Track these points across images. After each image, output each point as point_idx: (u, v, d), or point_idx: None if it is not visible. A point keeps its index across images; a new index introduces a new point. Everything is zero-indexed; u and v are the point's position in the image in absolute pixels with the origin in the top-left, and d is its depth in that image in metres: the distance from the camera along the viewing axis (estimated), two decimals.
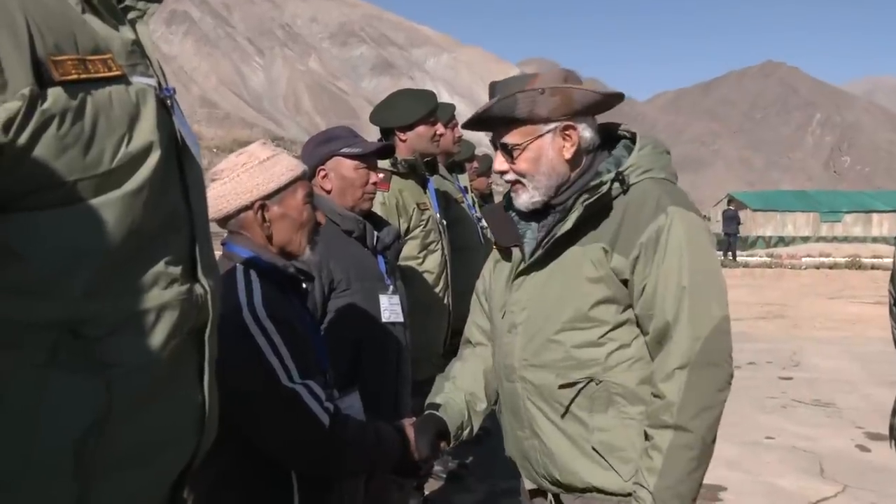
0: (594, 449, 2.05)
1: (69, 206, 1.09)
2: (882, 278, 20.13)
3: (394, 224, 3.31)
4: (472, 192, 5.34)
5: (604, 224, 2.03)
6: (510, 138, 2.07)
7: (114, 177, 1.13)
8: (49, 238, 1.08)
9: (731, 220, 29.73)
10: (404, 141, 3.80)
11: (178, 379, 1.30)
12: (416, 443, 2.16)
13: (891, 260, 3.17)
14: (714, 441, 1.99)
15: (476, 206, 5.21)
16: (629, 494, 2.03)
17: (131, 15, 1.29)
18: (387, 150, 3.10)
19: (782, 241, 40.86)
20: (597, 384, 2.03)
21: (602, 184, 2.01)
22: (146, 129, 1.19)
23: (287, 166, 2.14)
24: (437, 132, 3.89)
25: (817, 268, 25.39)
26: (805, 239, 40.76)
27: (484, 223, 4.86)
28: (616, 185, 2.02)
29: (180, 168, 1.31)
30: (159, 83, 1.28)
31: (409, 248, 3.67)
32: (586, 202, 2.00)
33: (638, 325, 2.04)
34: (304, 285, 2.23)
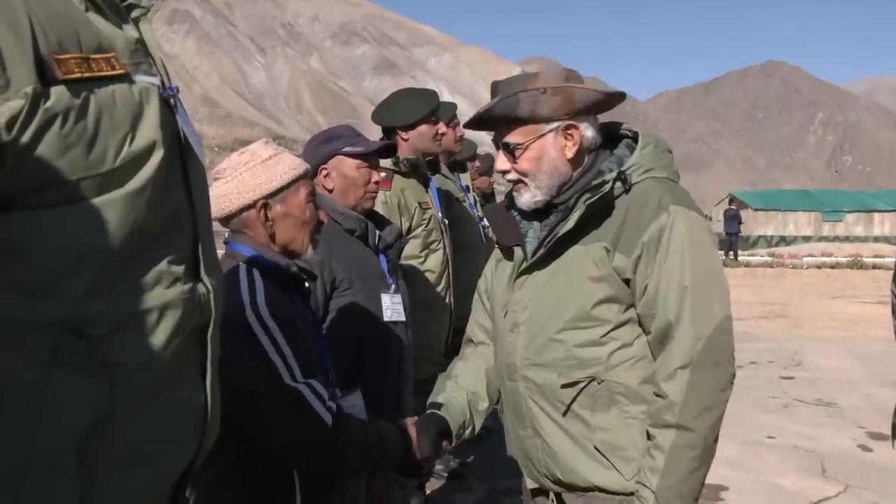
0: (596, 448, 2.04)
1: (72, 205, 1.09)
2: (883, 278, 20.13)
3: (396, 223, 3.31)
4: (473, 191, 5.34)
5: (606, 223, 2.03)
6: (512, 138, 2.07)
7: (117, 176, 1.13)
8: (52, 237, 1.08)
9: (732, 219, 29.74)
10: (406, 140, 3.80)
11: (180, 378, 1.30)
12: (417, 442, 2.16)
13: (892, 259, 3.16)
14: (716, 441, 1.99)
15: (478, 205, 5.21)
16: (631, 494, 2.03)
17: (135, 13, 1.28)
18: (389, 150, 3.10)
19: (784, 240, 40.84)
20: (599, 383, 2.03)
21: (604, 183, 2.01)
22: (149, 128, 1.19)
23: (289, 165, 2.14)
24: (439, 131, 3.89)
25: (819, 267, 25.37)
26: (807, 238, 40.74)
27: (485, 222, 4.87)
28: (618, 184, 2.02)
29: (183, 167, 1.31)
30: (163, 82, 1.27)
31: (411, 247, 3.67)
32: (588, 201, 1.99)
33: (640, 324, 2.04)
34: (306, 284, 2.23)
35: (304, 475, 2.05)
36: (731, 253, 28.63)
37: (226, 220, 2.15)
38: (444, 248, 3.87)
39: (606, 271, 2.01)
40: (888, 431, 3.14)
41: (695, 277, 1.95)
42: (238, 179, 2.10)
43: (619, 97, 2.08)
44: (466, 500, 4.97)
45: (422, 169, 3.82)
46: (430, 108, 3.81)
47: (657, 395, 1.98)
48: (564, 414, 2.06)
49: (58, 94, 1.06)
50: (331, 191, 2.86)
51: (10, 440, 1.07)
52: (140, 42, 1.26)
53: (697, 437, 1.94)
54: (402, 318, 2.91)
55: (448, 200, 4.25)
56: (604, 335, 2.03)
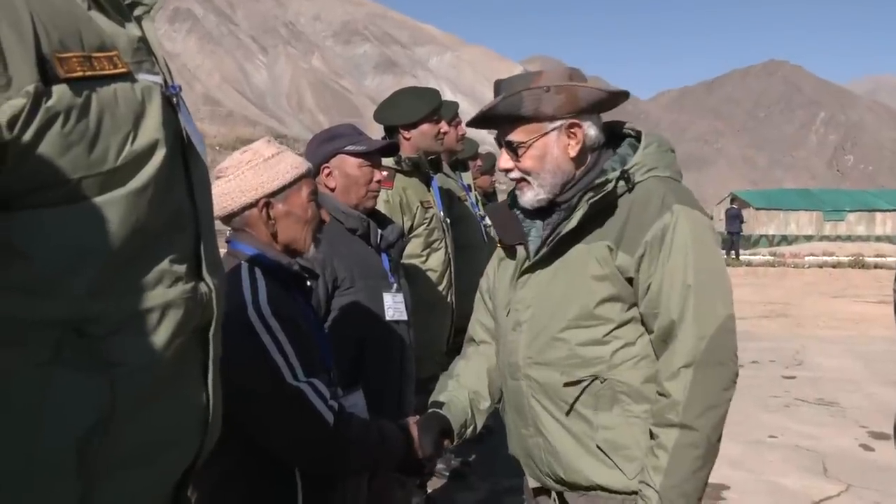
0: (599, 447, 2.04)
1: (73, 204, 1.08)
2: (885, 277, 20.14)
3: (397, 222, 3.31)
4: (475, 190, 5.34)
5: (609, 222, 2.03)
6: (515, 136, 2.07)
7: (118, 175, 1.13)
8: (53, 236, 1.07)
9: (734, 218, 29.73)
10: (408, 139, 3.80)
11: (182, 378, 1.29)
12: (419, 441, 2.16)
13: (894, 259, 3.16)
14: (719, 440, 1.99)
15: (479, 204, 5.21)
16: (633, 493, 2.03)
17: (137, 11, 1.28)
18: (391, 148, 3.10)
19: (785, 239, 40.81)
20: (601, 382, 2.03)
21: (607, 182, 2.01)
22: (151, 127, 1.19)
23: (291, 164, 2.14)
24: (441, 130, 3.89)
25: (820, 267, 25.35)
26: (808, 238, 40.70)
27: (487, 221, 4.87)
28: (621, 183, 2.02)
29: (185, 166, 1.30)
30: (165, 80, 1.27)
31: (413, 246, 3.67)
32: (591, 200, 1.99)
33: (642, 323, 2.04)
34: (308, 283, 2.23)
35: (306, 474, 2.05)
36: (733, 252, 28.61)
37: (228, 219, 2.15)
38: (446, 247, 3.87)
39: (609, 270, 2.01)
40: (890, 431, 3.14)
41: (698, 276, 1.95)
42: (240, 178, 2.10)
43: (622, 96, 2.08)
44: (468, 500, 4.97)
45: (424, 168, 3.82)
46: (431, 107, 3.81)
47: (660, 395, 1.97)
48: (567, 413, 2.06)
49: (59, 92, 1.05)
50: (333, 189, 2.86)
51: (10, 439, 1.07)
52: (142, 40, 1.25)
53: (701, 436, 1.93)
54: (404, 317, 2.91)
55: (450, 199, 4.25)
56: (607, 334, 2.03)
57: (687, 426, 1.93)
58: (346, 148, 2.85)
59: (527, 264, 2.14)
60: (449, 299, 3.88)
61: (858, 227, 42.34)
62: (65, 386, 1.09)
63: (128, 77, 1.17)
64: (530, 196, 2.11)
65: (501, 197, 4.27)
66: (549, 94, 2.00)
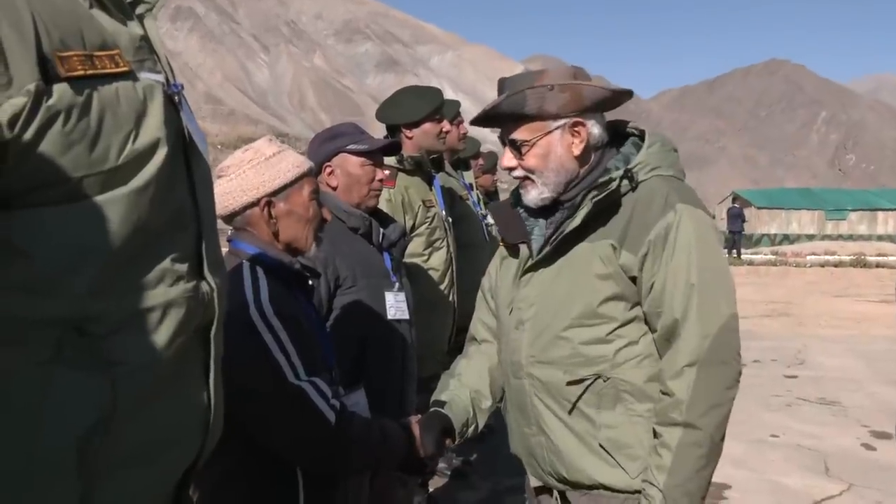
0: (601, 446, 2.04)
1: (75, 203, 1.08)
2: (887, 276, 20.13)
3: (399, 221, 3.31)
4: (477, 189, 5.34)
5: (612, 221, 2.03)
6: (519, 135, 2.07)
7: (120, 173, 1.13)
8: (54, 235, 1.07)
9: (735, 217, 29.71)
10: (410, 138, 3.80)
11: (183, 377, 1.29)
12: (421, 440, 2.16)
13: None
14: (723, 439, 1.99)
15: (481, 203, 5.20)
16: (636, 492, 2.03)
17: (139, 10, 1.28)
18: (393, 147, 3.09)
19: (787, 238, 40.76)
20: (604, 381, 2.03)
21: (611, 180, 2.01)
22: (153, 126, 1.18)
23: (293, 163, 2.14)
24: (443, 129, 3.89)
25: (822, 266, 25.33)
26: (810, 237, 40.65)
27: (489, 220, 4.86)
28: (625, 181, 2.02)
29: (187, 165, 1.30)
30: (167, 79, 1.27)
31: (415, 245, 3.67)
32: (595, 198, 1.99)
33: (646, 322, 2.04)
34: (309, 282, 2.23)
35: (308, 473, 2.05)
36: (735, 251, 28.59)
37: (229, 218, 2.14)
38: (448, 246, 3.87)
39: (613, 269, 2.01)
40: (892, 430, 3.14)
41: (701, 275, 1.95)
42: (242, 177, 2.10)
43: (626, 95, 2.08)
44: (469, 499, 4.97)
45: (426, 167, 3.82)
46: (433, 106, 3.81)
47: (664, 394, 1.97)
48: (570, 412, 2.06)
49: (60, 91, 1.05)
50: (335, 188, 2.85)
51: (10, 439, 1.07)
52: (144, 39, 1.25)
53: (704, 434, 1.93)
54: (406, 316, 2.91)
55: (451, 198, 4.25)
56: (610, 333, 2.03)
57: (690, 425, 1.92)
58: (349, 147, 2.85)
59: (530, 263, 2.14)
60: (451, 298, 3.88)
61: (860, 227, 42.28)
62: (65, 385, 1.09)
63: (129, 76, 1.17)
64: (534, 194, 2.11)
65: (503, 196, 4.27)
66: (552, 93, 2.00)
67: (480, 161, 6.29)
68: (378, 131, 3.76)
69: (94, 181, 1.09)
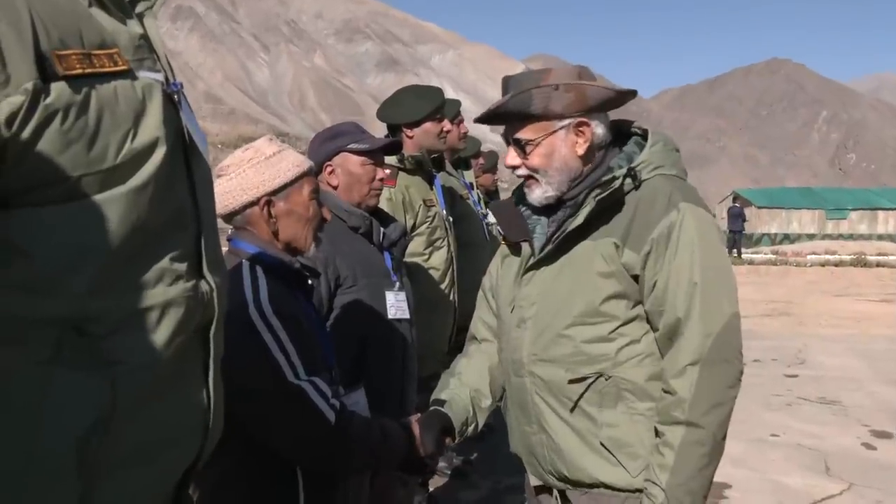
0: (602, 444, 2.04)
1: (73, 202, 1.08)
2: (888, 276, 20.13)
3: (400, 220, 3.30)
4: (477, 188, 5.33)
5: (615, 219, 2.03)
6: (524, 134, 2.07)
7: (118, 172, 1.12)
8: (53, 234, 1.07)
9: (736, 217, 29.70)
10: (411, 137, 3.80)
11: (183, 377, 1.29)
12: (421, 439, 2.16)
13: None
14: (724, 438, 1.99)
15: (481, 202, 5.20)
16: (636, 491, 2.03)
17: (139, 8, 1.28)
18: (394, 147, 3.09)
19: (787, 238, 40.74)
20: (606, 379, 2.03)
21: (614, 179, 2.01)
22: (152, 125, 1.18)
23: (293, 162, 2.14)
24: (444, 129, 3.89)
25: (823, 265, 25.32)
26: (810, 236, 40.62)
27: (489, 220, 4.86)
28: (628, 180, 2.02)
29: (187, 164, 1.30)
30: (167, 78, 1.27)
31: (415, 245, 3.67)
32: (599, 197, 2.00)
33: (648, 320, 2.04)
34: (309, 281, 2.23)
35: (308, 473, 2.04)
36: (735, 251, 28.58)
37: (229, 217, 2.14)
38: (449, 245, 3.87)
39: (616, 267, 2.01)
40: (892, 430, 3.14)
41: (704, 274, 1.95)
42: (241, 176, 2.09)
43: (630, 95, 2.09)
44: (469, 498, 4.97)
45: (426, 166, 3.81)
46: (434, 105, 3.81)
47: (666, 392, 1.97)
48: (572, 410, 2.06)
49: (58, 90, 1.05)
50: (335, 188, 2.85)
51: (10, 438, 1.07)
52: (144, 38, 1.25)
53: (707, 433, 1.93)
54: (406, 315, 2.91)
55: (452, 198, 4.25)
56: (612, 331, 2.03)
57: (693, 424, 1.92)
58: (349, 146, 2.85)
59: (532, 261, 2.14)
60: (451, 298, 3.88)
61: (861, 226, 42.25)
62: (65, 385, 1.09)
63: (128, 74, 1.17)
64: (538, 193, 2.12)
65: (504, 195, 4.26)
66: (558, 93, 2.00)
67: (481, 160, 6.29)
68: (379, 131, 3.76)
69: (92, 180, 1.09)
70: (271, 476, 2.01)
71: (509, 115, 2.07)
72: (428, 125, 3.80)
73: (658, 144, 2.10)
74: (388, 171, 3.06)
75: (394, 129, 3.84)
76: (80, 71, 1.08)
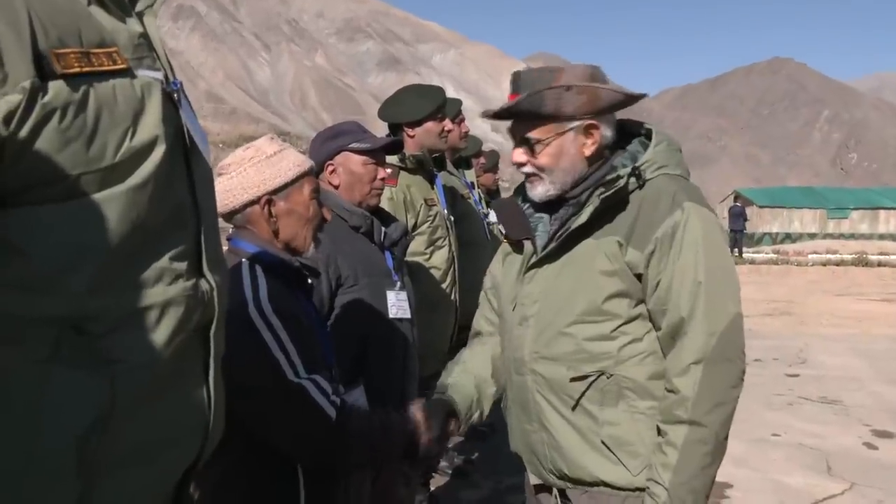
0: (603, 443, 2.04)
1: (72, 201, 1.08)
2: (889, 275, 20.12)
3: (401, 219, 3.30)
4: (478, 187, 5.33)
5: (619, 218, 2.03)
6: (534, 133, 2.07)
7: (117, 171, 1.12)
8: (51, 233, 1.07)
9: (737, 216, 29.67)
10: (412, 137, 3.80)
11: (183, 376, 1.29)
12: (426, 424, 2.15)
13: None
14: (727, 437, 1.99)
15: (482, 201, 5.20)
16: (637, 489, 2.03)
17: (139, 7, 1.28)
18: (395, 146, 3.09)
19: (789, 237, 40.71)
20: (608, 378, 2.02)
21: (619, 178, 2.01)
22: (151, 123, 1.18)
23: (294, 161, 2.14)
24: (445, 128, 3.88)
25: (824, 265, 25.29)
26: (812, 236, 40.59)
27: (490, 219, 4.86)
28: (632, 179, 2.02)
29: (187, 163, 1.30)
30: (166, 76, 1.27)
31: (417, 244, 3.67)
32: (603, 195, 2.00)
33: (650, 319, 2.04)
34: (308, 280, 2.23)
35: (309, 471, 2.04)
36: (736, 250, 28.55)
37: (229, 216, 2.14)
38: (450, 244, 3.86)
39: (619, 266, 2.01)
40: (894, 429, 3.13)
41: (709, 274, 1.95)
42: (242, 175, 2.09)
43: (639, 98, 2.09)
44: (471, 497, 4.96)
45: (428, 165, 3.81)
46: (436, 104, 3.81)
47: (669, 391, 1.97)
48: (573, 408, 2.06)
49: (56, 88, 1.05)
50: (337, 187, 2.85)
51: (9, 438, 1.06)
52: (144, 36, 1.25)
53: (710, 432, 1.93)
54: (407, 315, 2.90)
55: (453, 197, 4.25)
56: (614, 329, 2.03)
57: (696, 423, 1.92)
58: (351, 145, 2.85)
59: (534, 259, 2.14)
60: (452, 297, 3.88)
61: (862, 225, 42.20)
62: (63, 383, 1.09)
63: (127, 73, 1.17)
64: (541, 190, 2.12)
65: (505, 195, 4.26)
66: (570, 94, 2.00)
67: (482, 160, 6.29)
68: (380, 130, 3.76)
69: (91, 179, 1.09)
70: (272, 475, 2.01)
71: (520, 114, 2.07)
72: (429, 124, 3.80)
73: (662, 144, 2.10)
74: (389, 171, 3.06)
75: (395, 129, 3.84)
76: (78, 69, 1.08)
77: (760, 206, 42.10)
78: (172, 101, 1.26)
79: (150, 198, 1.17)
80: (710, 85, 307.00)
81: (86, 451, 1.11)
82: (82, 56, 1.09)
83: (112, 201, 1.11)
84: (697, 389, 1.92)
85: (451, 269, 3.86)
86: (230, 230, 2.19)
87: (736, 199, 33.53)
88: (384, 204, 3.21)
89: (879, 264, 24.56)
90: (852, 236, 40.06)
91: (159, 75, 1.24)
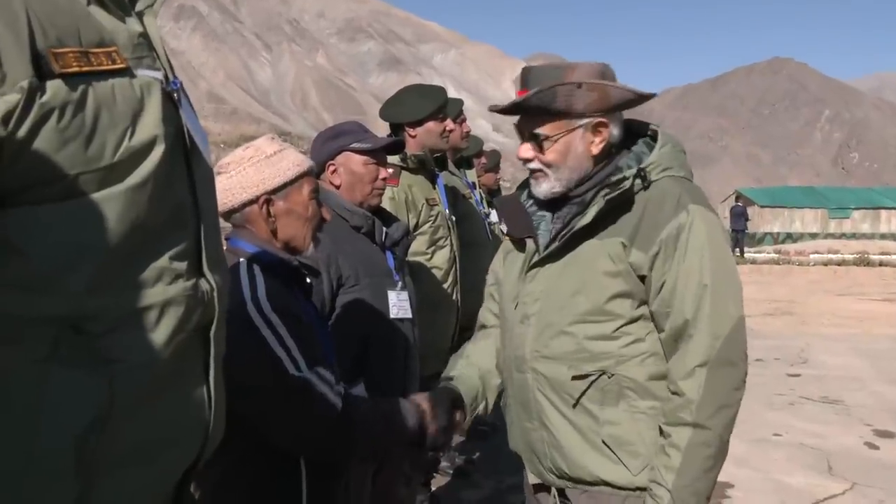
0: (603, 442, 2.04)
1: (71, 201, 1.08)
2: (890, 275, 20.11)
3: (403, 219, 3.30)
4: (479, 187, 5.33)
5: (623, 219, 2.03)
6: (543, 129, 2.06)
7: (116, 170, 1.12)
8: (50, 233, 1.06)
9: (739, 216, 29.67)
10: (414, 137, 3.80)
11: (183, 376, 1.28)
12: (432, 412, 2.14)
13: None
14: (729, 440, 1.99)
15: (484, 201, 5.20)
16: (637, 489, 2.03)
17: (139, 6, 1.27)
18: (396, 146, 3.09)
19: (790, 237, 40.72)
20: (609, 377, 2.02)
21: (624, 179, 2.01)
22: (150, 123, 1.18)
23: (293, 161, 2.13)
24: (446, 128, 3.88)
25: (825, 264, 25.30)
26: (813, 235, 40.60)
27: (492, 219, 4.86)
28: (637, 181, 2.02)
29: (187, 162, 1.29)
30: (166, 76, 1.26)
31: (418, 244, 3.67)
32: (608, 196, 2.00)
33: (652, 320, 2.04)
34: (307, 280, 2.22)
35: (310, 471, 2.04)
36: (738, 250, 28.55)
37: (228, 215, 2.14)
38: (451, 244, 3.86)
39: (623, 266, 2.01)
40: (895, 429, 3.12)
41: (714, 277, 1.96)
42: (241, 174, 2.09)
43: (649, 97, 2.09)
44: (471, 497, 4.96)
45: (429, 165, 3.81)
46: (437, 104, 3.81)
47: (673, 393, 1.97)
48: (573, 407, 2.06)
49: (54, 88, 1.05)
50: (338, 187, 2.85)
51: (7, 438, 1.06)
52: (143, 36, 1.24)
53: (713, 435, 1.93)
54: (409, 315, 2.90)
55: (454, 197, 4.25)
56: (616, 329, 2.03)
57: (700, 425, 1.92)
58: (352, 145, 2.84)
59: (536, 258, 2.14)
60: (454, 297, 3.88)
61: (863, 225, 42.22)
62: (62, 383, 1.08)
63: (127, 73, 1.16)
64: (545, 187, 2.11)
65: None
66: (581, 91, 2.00)
67: (483, 160, 6.29)
68: (381, 130, 3.76)
69: (90, 178, 1.09)
70: (272, 475, 2.01)
71: (530, 110, 2.07)
72: (430, 124, 3.79)
73: (667, 146, 2.10)
74: (390, 171, 3.06)
75: (396, 129, 3.84)
76: (76, 69, 1.08)
77: (762, 206, 42.12)
78: (172, 100, 1.26)
79: (150, 197, 1.16)
80: (710, 85, 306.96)
81: (85, 450, 1.10)
82: (81, 55, 1.09)
83: (111, 201, 1.11)
84: (702, 392, 1.92)
85: (453, 269, 3.86)
86: (229, 230, 2.19)
87: (737, 198, 33.54)
88: (386, 204, 3.21)
89: (881, 264, 24.57)
90: (853, 236, 40.07)
91: (159, 75, 1.24)
